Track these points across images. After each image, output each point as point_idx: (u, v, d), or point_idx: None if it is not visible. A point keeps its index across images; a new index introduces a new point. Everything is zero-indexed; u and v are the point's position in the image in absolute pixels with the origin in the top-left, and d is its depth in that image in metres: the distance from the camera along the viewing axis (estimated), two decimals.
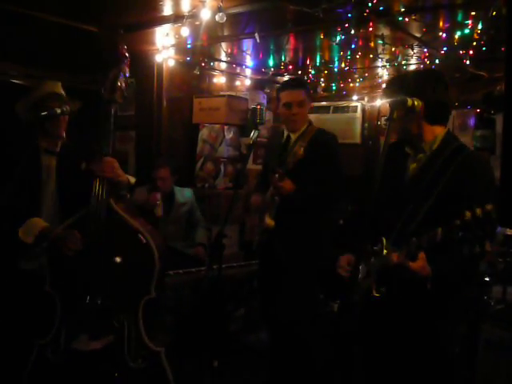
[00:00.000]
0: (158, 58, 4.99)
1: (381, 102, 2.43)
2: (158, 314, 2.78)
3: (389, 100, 2.08)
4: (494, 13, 3.26)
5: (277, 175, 3.03)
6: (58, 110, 2.63)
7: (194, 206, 4.56)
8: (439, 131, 2.15)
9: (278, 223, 3.09)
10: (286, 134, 3.35)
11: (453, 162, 2.04)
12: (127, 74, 2.61)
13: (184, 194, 4.52)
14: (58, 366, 2.46)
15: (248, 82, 6.04)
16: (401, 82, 2.18)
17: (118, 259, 2.49)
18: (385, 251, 2.03)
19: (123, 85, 2.56)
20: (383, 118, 2.08)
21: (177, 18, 3.86)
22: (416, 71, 2.44)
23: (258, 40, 4.05)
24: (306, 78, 5.86)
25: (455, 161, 2.04)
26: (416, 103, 2.06)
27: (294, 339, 3.17)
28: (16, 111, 2.84)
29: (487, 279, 3.27)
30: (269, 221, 3.11)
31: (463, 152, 2.07)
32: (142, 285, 2.48)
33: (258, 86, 6.13)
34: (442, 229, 1.80)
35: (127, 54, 2.63)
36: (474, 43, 4.12)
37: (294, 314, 3.14)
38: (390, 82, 2.38)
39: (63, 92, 2.87)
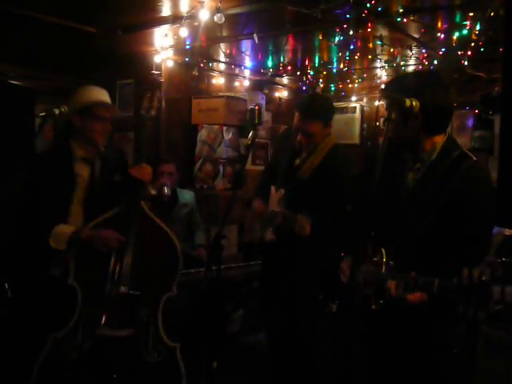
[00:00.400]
0: (157, 59, 4.98)
1: (378, 103, 2.37)
2: (173, 311, 2.91)
3: (386, 100, 2.07)
4: (492, 13, 3.27)
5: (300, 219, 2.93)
6: (57, 111, 2.63)
7: (194, 208, 4.55)
8: (439, 140, 2.09)
9: (281, 235, 3.08)
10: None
11: (454, 174, 1.98)
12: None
13: (185, 196, 4.52)
14: (71, 360, 2.50)
15: (247, 83, 6.04)
16: (399, 85, 2.14)
17: (146, 255, 2.67)
18: (383, 268, 2.03)
19: (156, 104, 2.79)
20: (382, 119, 2.06)
21: (175, 18, 3.86)
22: (414, 73, 2.40)
23: (256, 41, 4.06)
24: (304, 79, 5.87)
25: (456, 173, 1.98)
26: (414, 104, 2.02)
27: (293, 340, 3.16)
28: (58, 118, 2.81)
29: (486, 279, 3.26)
30: (271, 236, 3.10)
31: (465, 163, 2.01)
32: (166, 282, 2.67)
33: (257, 86, 6.13)
34: (439, 281, 1.80)
35: (163, 80, 2.82)
36: (472, 44, 4.13)
37: (295, 314, 3.13)
38: (387, 84, 2.36)
39: (109, 99, 2.89)
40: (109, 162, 2.87)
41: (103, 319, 2.51)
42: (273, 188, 3.20)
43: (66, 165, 2.75)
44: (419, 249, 1.97)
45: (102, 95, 2.85)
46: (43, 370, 2.49)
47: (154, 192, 2.88)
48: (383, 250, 2.05)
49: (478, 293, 1.71)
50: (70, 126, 2.77)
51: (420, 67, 5.06)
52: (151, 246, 2.72)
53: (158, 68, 5.09)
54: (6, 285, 3.35)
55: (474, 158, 2.05)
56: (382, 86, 2.27)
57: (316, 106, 3.02)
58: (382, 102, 2.18)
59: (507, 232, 3.64)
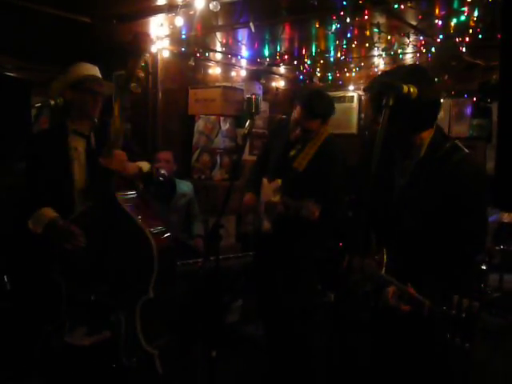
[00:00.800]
0: (153, 49, 4.95)
1: (367, 95, 2.34)
2: (158, 314, 2.66)
3: (383, 87, 2.02)
4: None
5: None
6: (52, 102, 2.62)
7: (192, 199, 4.56)
8: (426, 135, 2.05)
9: (278, 224, 3.08)
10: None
11: (444, 168, 1.96)
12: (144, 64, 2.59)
13: (183, 186, 4.51)
14: (59, 355, 2.49)
15: (243, 73, 6.01)
16: (390, 74, 2.12)
17: (118, 255, 2.45)
18: (384, 269, 2.02)
19: (140, 77, 2.57)
20: (369, 111, 2.03)
21: (171, 7, 3.83)
22: (398, 69, 2.36)
23: (253, 29, 4.03)
24: (301, 68, 5.84)
25: (448, 166, 1.96)
26: (412, 90, 1.99)
27: (290, 330, 3.16)
28: (49, 92, 2.76)
29: (484, 268, 3.27)
30: (267, 225, 3.09)
31: (456, 155, 1.98)
32: (141, 284, 2.44)
33: (254, 76, 6.10)
34: (430, 305, 1.81)
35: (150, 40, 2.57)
36: (470, 30, 4.11)
37: (291, 305, 3.13)
38: (376, 78, 2.31)
39: (100, 75, 2.84)
40: (102, 135, 2.70)
41: (80, 321, 2.46)
42: (265, 179, 3.19)
43: (61, 139, 2.70)
44: (417, 247, 1.96)
45: (93, 70, 2.83)
46: (40, 360, 2.53)
47: (146, 167, 2.63)
48: (385, 251, 2.04)
49: (464, 326, 1.71)
50: (64, 105, 2.73)
51: (418, 55, 5.04)
52: (124, 246, 2.47)
53: (154, 58, 5.06)
54: (5, 277, 3.35)
55: (466, 151, 2.02)
56: (367, 86, 2.22)
57: (319, 106, 3.01)
58: (365, 97, 2.15)
59: (504, 219, 3.64)
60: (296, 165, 3.05)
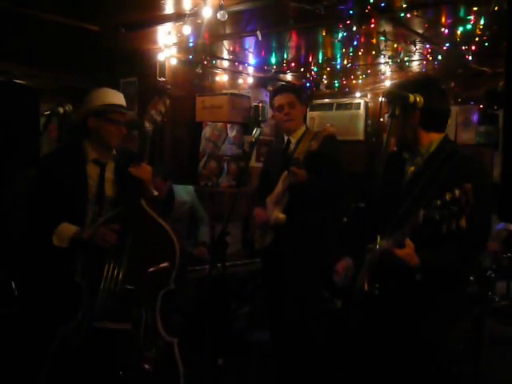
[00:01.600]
0: (160, 57, 4.98)
1: (381, 99, 2.46)
2: (173, 306, 2.89)
3: (390, 96, 2.07)
4: (496, 8, 3.25)
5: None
6: (61, 110, 2.64)
7: (195, 203, 4.50)
8: (436, 137, 2.18)
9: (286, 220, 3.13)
10: (286, 138, 3.42)
11: (447, 164, 2.06)
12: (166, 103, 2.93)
13: (182, 193, 4.42)
14: (77, 353, 2.54)
15: (250, 80, 6.03)
16: (399, 87, 2.19)
17: (146, 259, 2.68)
18: (377, 247, 2.05)
19: (163, 110, 2.87)
20: (386, 115, 2.08)
21: (178, 16, 3.86)
22: (409, 80, 2.46)
23: (259, 38, 4.05)
24: (308, 75, 5.86)
25: (449, 163, 2.06)
26: (418, 99, 2.05)
27: (299, 337, 3.16)
28: (73, 117, 2.82)
29: (491, 275, 3.26)
30: (280, 215, 3.14)
31: (458, 155, 2.09)
32: (164, 277, 2.66)
33: (261, 83, 6.12)
34: (424, 210, 1.85)
35: (169, 87, 2.84)
36: (477, 39, 4.11)
37: (299, 312, 3.13)
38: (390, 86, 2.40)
39: (124, 102, 2.93)
40: (121, 164, 2.86)
41: (102, 314, 2.55)
42: (268, 199, 3.32)
43: (79, 166, 2.77)
44: (414, 239, 1.97)
45: (119, 98, 2.87)
46: (54, 362, 2.55)
47: (156, 193, 2.83)
48: (378, 237, 2.07)
49: (458, 202, 1.77)
50: (83, 126, 2.78)
51: (424, 63, 5.04)
52: (149, 243, 2.72)
53: (162, 66, 5.09)
54: (12, 283, 3.37)
55: (466, 153, 2.14)
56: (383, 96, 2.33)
57: (285, 84, 3.35)
58: (384, 100, 2.22)
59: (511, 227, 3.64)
60: (296, 155, 3.20)
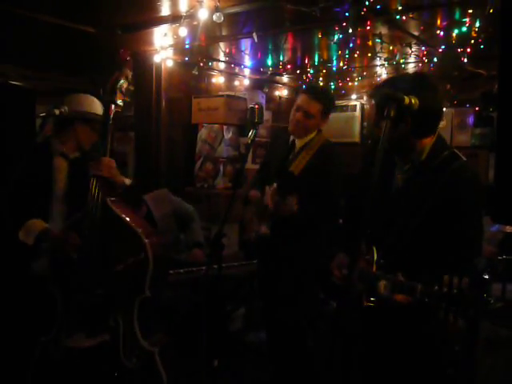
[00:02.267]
0: (157, 59, 4.99)
1: (372, 102, 2.38)
2: (154, 313, 2.79)
3: (384, 98, 2.05)
4: (491, 10, 3.26)
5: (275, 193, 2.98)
6: (57, 111, 2.65)
7: (175, 206, 4.26)
8: (428, 141, 2.10)
9: (276, 226, 3.08)
10: (292, 138, 3.25)
11: (442, 174, 2.00)
12: (129, 78, 2.65)
13: (160, 202, 4.18)
14: (58, 363, 2.50)
15: (247, 82, 6.04)
16: (391, 86, 2.14)
17: (113, 258, 2.54)
18: (374, 266, 2.04)
19: (123, 88, 2.60)
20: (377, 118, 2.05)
21: (174, 18, 3.86)
22: (404, 76, 2.40)
23: (255, 39, 4.05)
24: (304, 77, 5.87)
25: (445, 173, 2.00)
26: (413, 101, 2.02)
27: (291, 337, 3.16)
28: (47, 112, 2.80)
29: (486, 277, 3.26)
30: (264, 230, 3.10)
31: (454, 163, 2.02)
32: (137, 284, 2.51)
33: (257, 85, 6.13)
34: (422, 287, 1.84)
35: (129, 58, 2.63)
36: (472, 41, 4.12)
37: (292, 314, 3.13)
38: (379, 85, 2.35)
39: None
40: (87, 159, 2.81)
41: (77, 326, 2.48)
42: (267, 187, 3.19)
43: (45, 159, 2.78)
44: (409, 249, 1.98)
45: (100, 109, 2.89)
46: (37, 373, 2.52)
47: (128, 182, 2.69)
48: (374, 249, 2.06)
49: (456, 302, 1.76)
50: (63, 124, 2.78)
51: (420, 65, 5.06)
52: (118, 246, 2.57)
53: (158, 68, 5.09)
54: None
55: (464, 159, 2.06)
56: (373, 88, 2.27)
57: (321, 89, 3.28)
58: (372, 102, 2.20)
59: (508, 229, 3.64)
60: (292, 168, 3.08)
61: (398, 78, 2.25)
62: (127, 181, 2.74)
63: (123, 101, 2.60)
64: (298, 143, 3.20)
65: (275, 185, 3.07)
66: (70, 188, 2.82)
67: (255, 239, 3.30)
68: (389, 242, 2.04)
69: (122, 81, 2.58)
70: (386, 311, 2.08)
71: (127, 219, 2.57)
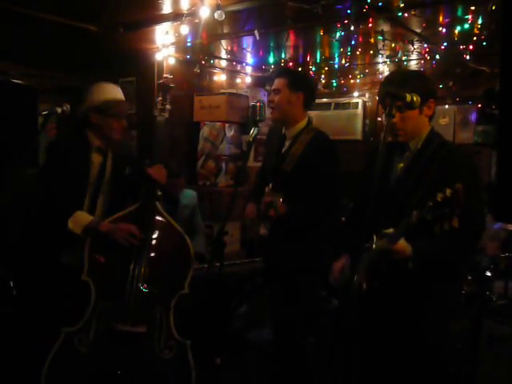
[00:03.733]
0: (158, 57, 4.99)
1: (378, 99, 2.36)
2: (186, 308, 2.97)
3: (387, 97, 2.07)
4: (494, 7, 3.25)
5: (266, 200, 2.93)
6: (59, 110, 2.65)
7: (195, 209, 4.41)
8: (425, 129, 2.21)
9: (275, 226, 3.06)
10: (283, 131, 3.16)
11: (436, 158, 2.09)
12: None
13: (186, 196, 4.38)
14: (82, 355, 2.54)
15: (248, 80, 6.04)
16: (397, 81, 2.17)
17: (161, 253, 2.73)
18: (374, 246, 2.06)
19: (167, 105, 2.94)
20: (383, 115, 2.06)
21: (176, 16, 3.86)
22: (402, 75, 2.42)
23: (257, 37, 4.05)
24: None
25: (438, 157, 2.09)
26: (415, 99, 2.05)
27: (288, 338, 3.16)
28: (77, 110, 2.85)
29: (489, 274, 3.27)
30: (263, 231, 3.09)
31: (445, 148, 2.13)
32: (180, 280, 2.71)
33: (259, 83, 6.12)
34: (417, 211, 1.87)
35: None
36: (475, 38, 4.12)
37: (289, 312, 3.12)
38: (384, 82, 2.36)
39: (123, 97, 2.95)
40: (119, 154, 2.93)
41: (119, 315, 2.56)
42: (266, 188, 3.12)
43: (83, 153, 2.79)
44: (410, 232, 1.98)
45: (117, 93, 2.89)
46: (54, 364, 2.52)
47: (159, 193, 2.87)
48: (374, 236, 2.07)
49: (449, 203, 1.78)
50: (85, 119, 2.79)
51: (422, 62, 5.05)
52: (166, 245, 2.76)
53: (160, 65, 5.10)
54: (11, 282, 3.37)
55: (455, 145, 2.26)
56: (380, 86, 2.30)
57: (283, 67, 3.17)
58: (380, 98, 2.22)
59: (510, 227, 3.64)
60: (285, 165, 3.02)
61: (399, 75, 2.29)
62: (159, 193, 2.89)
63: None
64: (288, 135, 3.10)
65: (271, 185, 3.02)
66: (99, 181, 2.86)
67: (256, 241, 3.29)
68: (387, 224, 2.05)
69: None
70: (384, 296, 2.08)
71: (176, 225, 2.79)
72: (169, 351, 2.62)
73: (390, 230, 2.01)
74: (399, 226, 1.97)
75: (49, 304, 2.75)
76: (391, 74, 2.59)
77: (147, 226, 2.68)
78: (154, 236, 2.72)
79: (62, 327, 2.57)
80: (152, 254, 2.68)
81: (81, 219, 2.67)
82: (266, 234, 3.07)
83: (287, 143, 3.09)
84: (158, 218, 2.76)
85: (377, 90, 6.23)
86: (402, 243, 1.99)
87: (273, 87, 3.11)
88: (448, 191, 1.78)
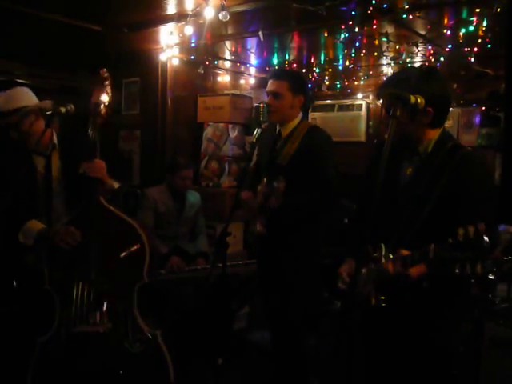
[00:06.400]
0: (162, 57, 5.00)
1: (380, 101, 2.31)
2: (153, 298, 2.95)
3: (390, 98, 2.05)
4: (499, 9, 3.24)
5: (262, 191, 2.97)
6: (63, 109, 2.66)
7: (199, 210, 4.46)
8: (434, 133, 2.12)
9: (271, 225, 3.06)
10: (278, 128, 3.20)
11: (449, 163, 2.01)
12: (109, 93, 2.79)
13: (191, 197, 4.41)
14: (59, 361, 2.54)
15: (252, 81, 6.04)
16: (402, 81, 2.12)
17: (111, 249, 2.69)
18: (383, 260, 2.03)
19: (106, 102, 2.78)
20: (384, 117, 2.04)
21: (180, 16, 3.87)
22: (414, 70, 2.38)
23: (261, 38, 4.05)
24: (310, 76, 5.85)
25: (451, 162, 2.01)
26: (419, 100, 2.02)
27: (290, 339, 3.15)
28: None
29: (492, 277, 3.25)
30: (260, 228, 3.08)
31: (459, 152, 2.04)
32: (136, 272, 2.67)
33: (263, 84, 6.09)
34: (435, 246, 1.79)
35: (107, 76, 2.80)
36: (479, 40, 4.10)
37: (286, 309, 3.11)
38: (387, 82, 2.34)
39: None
40: (68, 154, 2.92)
41: (79, 319, 2.56)
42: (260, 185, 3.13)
43: (26, 159, 2.80)
44: (418, 241, 1.96)
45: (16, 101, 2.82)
46: (36, 373, 2.56)
47: (116, 185, 2.85)
48: (383, 246, 2.05)
49: (473, 247, 1.68)
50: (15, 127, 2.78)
51: (426, 64, 5.03)
52: (115, 239, 2.73)
53: (164, 66, 5.10)
54: (14, 282, 3.37)
55: (469, 148, 2.09)
56: (380, 85, 2.24)
57: (283, 70, 3.18)
58: (380, 101, 2.17)
59: None
60: (279, 160, 3.04)
61: (404, 75, 2.22)
62: (115, 184, 2.84)
63: (105, 113, 2.77)
64: (284, 131, 3.15)
65: (265, 180, 3.04)
66: (46, 185, 2.86)
67: (252, 238, 3.28)
68: (398, 235, 2.02)
69: (104, 96, 2.76)
70: (395, 310, 2.07)
71: (121, 214, 2.74)
72: (139, 344, 2.60)
73: (405, 253, 1.94)
74: (414, 253, 1.90)
75: (19, 312, 2.78)
76: (390, 76, 2.52)
77: (92, 226, 2.64)
78: (103, 233, 2.66)
79: (35, 337, 2.60)
80: (102, 251, 2.63)
81: (31, 229, 2.71)
82: (262, 231, 3.07)
83: (282, 139, 3.14)
84: (106, 214, 2.71)
85: None
86: (418, 267, 1.91)
87: (271, 89, 3.09)
88: (470, 230, 1.67)
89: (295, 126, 3.12)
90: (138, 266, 2.67)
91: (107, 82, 2.78)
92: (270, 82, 3.12)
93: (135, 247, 2.70)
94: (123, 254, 2.70)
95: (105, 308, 2.58)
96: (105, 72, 2.79)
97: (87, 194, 2.71)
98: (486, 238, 1.66)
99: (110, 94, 2.78)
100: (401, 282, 1.97)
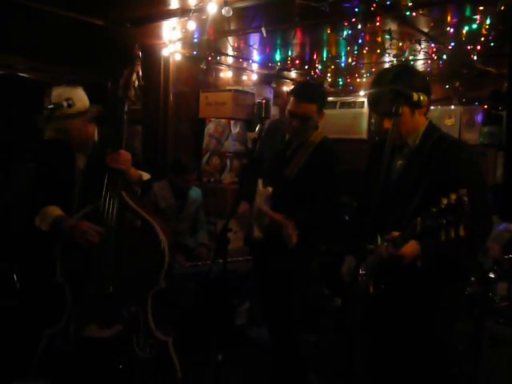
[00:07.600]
0: (165, 52, 4.99)
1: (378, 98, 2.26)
2: (166, 304, 2.82)
3: (394, 95, 2.04)
4: (503, 7, 3.24)
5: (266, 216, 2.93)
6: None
7: (200, 206, 4.48)
8: (422, 124, 2.20)
9: (268, 231, 3.03)
10: (288, 136, 3.13)
11: (435, 153, 2.08)
12: (140, 73, 2.66)
13: (193, 193, 4.43)
14: (66, 355, 2.51)
15: (255, 77, 6.03)
16: (405, 81, 2.12)
17: (129, 249, 2.56)
18: (378, 249, 2.05)
19: (136, 83, 2.63)
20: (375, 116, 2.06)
21: (183, 11, 3.86)
22: (387, 70, 2.42)
23: (264, 34, 4.04)
24: (312, 73, 5.85)
25: (438, 151, 2.08)
26: (422, 98, 2.03)
27: (288, 335, 3.16)
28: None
29: (492, 276, 3.26)
30: (257, 234, 3.07)
31: (445, 141, 2.11)
32: (153, 275, 2.56)
33: (265, 80, 6.12)
34: (421, 218, 1.83)
35: (140, 54, 2.65)
36: (482, 38, 4.10)
37: (284, 310, 3.12)
38: (378, 79, 2.31)
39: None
40: (101, 153, 2.80)
41: (90, 318, 2.51)
42: (260, 183, 3.12)
43: (68, 155, 2.78)
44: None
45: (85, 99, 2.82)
46: (42, 363, 2.53)
47: (146, 177, 2.75)
48: (378, 237, 2.06)
49: (455, 211, 1.72)
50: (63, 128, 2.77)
51: (429, 62, 5.03)
52: (134, 238, 2.60)
53: (166, 61, 5.09)
54: (14, 276, 3.38)
55: (454, 138, 2.18)
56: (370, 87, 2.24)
57: (311, 89, 3.03)
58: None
59: None
60: (287, 172, 2.99)
61: (381, 75, 2.24)
62: (145, 175, 2.75)
63: (136, 94, 2.64)
64: (295, 141, 3.08)
65: (270, 189, 3.01)
66: (84, 183, 2.81)
67: (246, 240, 3.28)
68: (392, 226, 2.04)
69: (134, 76, 2.61)
70: (394, 296, 2.07)
71: (145, 214, 2.61)
72: (150, 350, 2.53)
73: (396, 234, 1.97)
74: (403, 232, 1.93)
75: (36, 302, 2.76)
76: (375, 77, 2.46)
77: (110, 222, 2.52)
78: (121, 230, 2.54)
79: (43, 328, 2.56)
80: (119, 250, 2.52)
81: (48, 215, 2.62)
82: (260, 237, 3.05)
83: (292, 148, 3.07)
84: (126, 210, 2.58)
85: None
86: (409, 245, 1.95)
87: (300, 112, 2.92)
88: (452, 197, 1.72)
89: (307, 137, 3.05)
90: (156, 271, 2.55)
91: (139, 62, 2.63)
92: (295, 102, 2.93)
93: (153, 250, 2.57)
94: (141, 257, 2.58)
95: (117, 309, 2.51)
96: (138, 49, 2.63)
97: (108, 188, 2.55)
98: (465, 199, 1.71)
99: (140, 75, 2.63)
100: (396, 264, 2.00)
